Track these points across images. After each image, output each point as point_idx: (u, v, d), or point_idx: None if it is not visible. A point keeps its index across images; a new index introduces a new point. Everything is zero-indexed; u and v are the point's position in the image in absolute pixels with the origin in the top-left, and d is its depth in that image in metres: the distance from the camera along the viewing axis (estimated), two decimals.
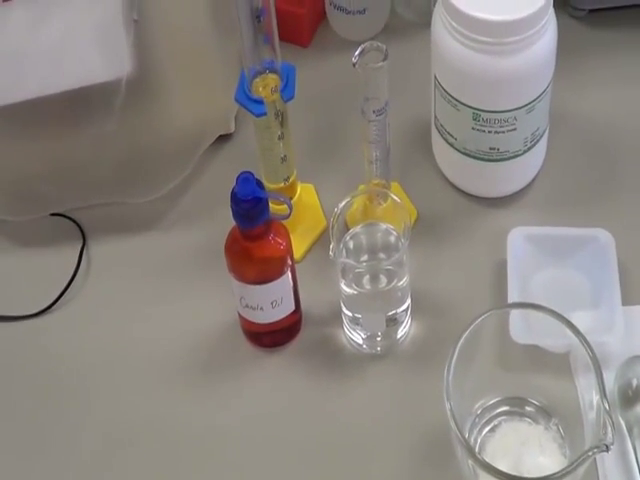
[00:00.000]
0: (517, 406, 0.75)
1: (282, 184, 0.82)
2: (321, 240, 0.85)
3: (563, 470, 0.64)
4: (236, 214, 0.70)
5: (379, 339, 0.80)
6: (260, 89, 0.77)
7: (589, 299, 0.81)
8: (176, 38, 0.84)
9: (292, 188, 0.84)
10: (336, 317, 0.81)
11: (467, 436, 0.72)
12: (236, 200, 0.69)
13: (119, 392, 0.80)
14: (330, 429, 0.77)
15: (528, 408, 0.75)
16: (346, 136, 0.91)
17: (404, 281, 0.77)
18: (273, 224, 0.73)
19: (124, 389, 0.80)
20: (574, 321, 0.71)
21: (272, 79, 0.77)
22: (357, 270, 0.77)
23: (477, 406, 0.75)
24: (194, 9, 0.85)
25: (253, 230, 0.71)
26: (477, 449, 0.73)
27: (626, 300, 0.80)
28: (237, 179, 0.70)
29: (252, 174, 0.70)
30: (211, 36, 0.86)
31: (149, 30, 0.83)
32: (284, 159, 0.81)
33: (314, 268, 0.83)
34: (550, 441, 0.72)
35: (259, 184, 0.70)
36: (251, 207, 0.69)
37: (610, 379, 0.76)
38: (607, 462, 0.73)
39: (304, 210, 0.85)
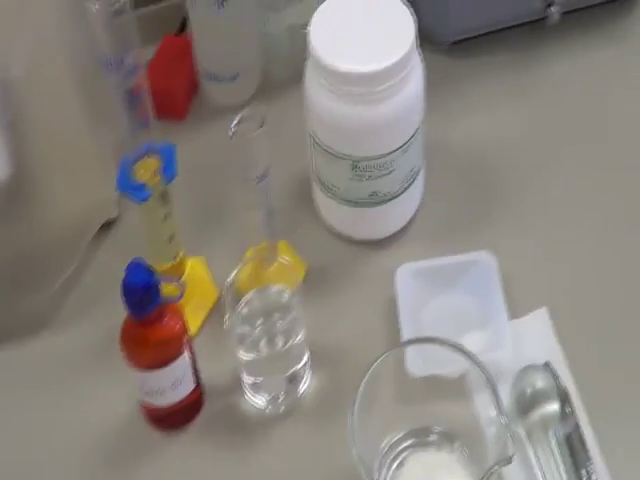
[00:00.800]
0: (421, 436, 0.82)
1: (171, 263, 0.88)
2: (214, 312, 0.90)
3: None
4: (128, 303, 0.76)
5: (281, 399, 0.86)
6: (142, 172, 0.81)
7: (478, 319, 0.89)
8: (51, 134, 0.87)
9: (181, 265, 0.89)
10: (236, 385, 0.87)
11: (377, 476, 0.79)
12: (127, 290, 0.75)
13: None
14: None
15: (432, 436, 0.82)
16: (230, 203, 0.96)
17: (300, 337, 0.84)
18: (166, 306, 0.78)
19: None
20: (466, 343, 0.79)
21: (152, 162, 0.82)
22: (253, 336, 0.83)
23: (383, 445, 0.82)
24: (68, 104, 0.88)
25: (147, 317, 0.77)
26: None
27: (514, 314, 0.88)
28: (127, 268, 0.75)
29: (141, 260, 0.75)
30: (86, 127, 0.90)
31: (23, 130, 0.85)
32: (171, 238, 0.86)
33: (210, 340, 0.89)
34: (455, 463, 0.80)
35: (149, 270, 0.75)
36: (143, 295, 0.75)
37: (506, 391, 0.83)
38: (511, 470, 0.80)
39: (195, 285, 0.90)
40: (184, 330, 0.80)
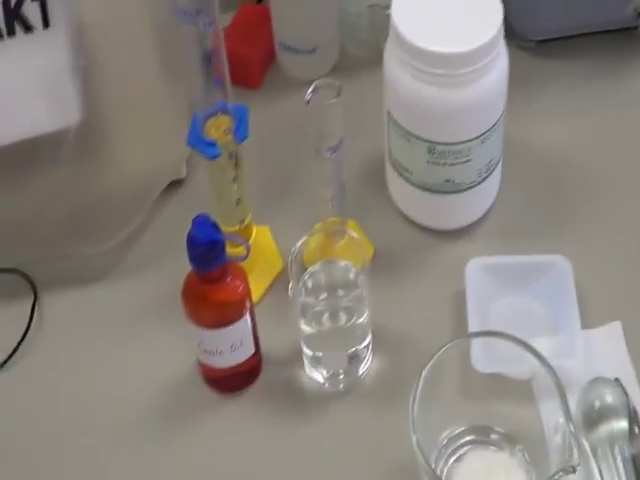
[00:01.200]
0: (482, 434, 0.78)
1: (237, 227, 0.85)
2: (278, 281, 0.88)
3: None
4: (192, 258, 0.73)
5: (341, 377, 0.83)
6: (212, 131, 0.79)
7: (549, 325, 0.85)
8: (125, 84, 0.86)
9: (248, 230, 0.87)
10: (296, 357, 0.84)
11: (434, 466, 0.75)
12: (192, 243, 0.72)
13: (77, 446, 0.83)
14: (296, 473, 0.80)
15: (493, 436, 0.78)
16: (300, 176, 0.94)
17: (364, 317, 0.80)
18: (230, 266, 0.76)
19: (82, 443, 0.83)
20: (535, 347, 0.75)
21: (224, 121, 0.79)
22: (316, 309, 0.80)
23: (442, 437, 0.78)
24: (143, 54, 0.86)
25: (210, 273, 0.74)
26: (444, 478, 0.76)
27: (585, 324, 0.84)
28: (193, 222, 0.73)
29: (208, 216, 0.73)
30: (160, 80, 0.88)
31: (97, 76, 0.84)
32: (239, 201, 0.84)
33: (272, 310, 0.86)
34: (516, 467, 0.76)
35: (215, 226, 0.73)
36: (208, 250, 0.72)
37: (572, 402, 0.79)
38: None
39: (260, 252, 0.88)
40: (247, 293, 0.77)
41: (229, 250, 0.75)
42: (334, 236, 0.83)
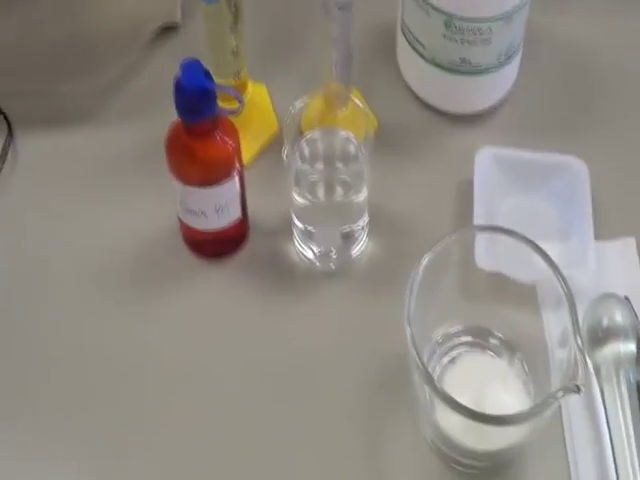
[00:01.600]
0: (480, 337, 0.71)
1: (232, 79, 0.77)
2: (271, 145, 0.81)
3: (530, 410, 0.60)
4: (179, 105, 0.65)
5: (333, 256, 0.75)
6: None
7: (558, 231, 0.78)
8: None
9: (242, 85, 0.79)
10: (286, 229, 0.76)
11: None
12: (180, 89, 0.63)
13: (45, 301, 0.75)
14: (277, 351, 0.73)
15: (492, 340, 0.71)
16: (304, 35, 0.86)
17: (362, 195, 0.72)
18: (221, 121, 0.67)
19: (50, 298, 0.75)
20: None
21: None
22: (311, 178, 0.71)
23: (437, 334, 0.70)
24: None
25: (198, 125, 0.66)
26: (436, 380, 0.69)
27: (598, 235, 0.76)
28: (182, 66, 0.64)
29: (199, 62, 0.64)
30: None
31: None
32: (235, 53, 0.76)
33: (263, 175, 0.78)
34: (513, 377, 0.68)
35: (206, 73, 0.64)
36: (197, 98, 0.64)
37: (579, 316, 0.72)
38: (571, 404, 0.70)
39: (255, 110, 0.80)
40: (237, 152, 0.68)
41: (220, 104, 0.66)
42: (336, 103, 0.74)
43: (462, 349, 0.71)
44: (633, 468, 0.68)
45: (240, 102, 0.66)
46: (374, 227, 0.77)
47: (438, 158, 0.82)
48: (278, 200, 0.76)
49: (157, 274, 0.76)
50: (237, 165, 0.69)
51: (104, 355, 0.72)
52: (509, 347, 0.71)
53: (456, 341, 0.71)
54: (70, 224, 0.78)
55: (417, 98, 0.84)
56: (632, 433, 0.69)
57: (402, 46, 0.83)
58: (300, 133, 0.72)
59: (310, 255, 0.76)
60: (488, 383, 0.68)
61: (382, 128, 0.82)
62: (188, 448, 0.69)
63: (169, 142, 0.68)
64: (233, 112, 0.67)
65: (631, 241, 0.78)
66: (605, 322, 0.73)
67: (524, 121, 0.85)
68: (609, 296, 0.74)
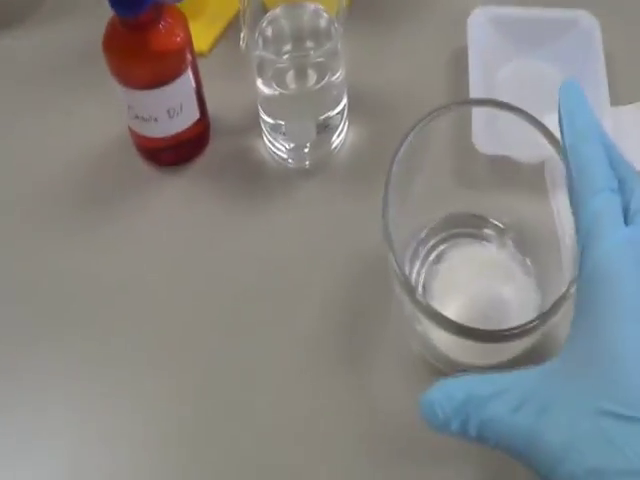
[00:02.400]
0: (473, 227, 0.63)
1: None
2: (232, 28, 0.72)
3: (541, 316, 0.52)
4: None
5: (307, 150, 0.67)
6: None
7: None
8: None
9: None
10: (254, 125, 0.69)
11: (409, 267, 0.61)
12: None
13: None
14: (250, 260, 0.65)
15: (487, 230, 0.63)
16: None
17: (338, 76, 0.64)
18: (165, 9, 0.59)
19: None
20: (550, 125, 0.59)
21: None
22: (278, 65, 0.63)
23: (423, 228, 0.63)
24: None
25: (138, 17, 0.58)
26: (422, 283, 0.61)
27: (612, 100, 0.68)
28: None
29: None
30: None
31: None
32: None
33: (224, 64, 0.71)
34: (516, 269, 0.61)
35: None
36: None
37: None
38: None
39: None
40: (186, 43, 0.60)
41: None
42: None
43: (450, 243, 0.63)
44: None
45: None
46: (354, 114, 0.69)
47: (424, 24, 0.75)
48: (243, 92, 0.68)
49: (110, 188, 0.69)
50: (189, 58, 0.62)
51: (58, 273, 0.65)
52: (509, 236, 0.63)
53: (443, 233, 0.63)
54: (10, 137, 0.71)
55: None
56: None
57: None
58: (262, 12, 0.64)
59: (282, 152, 0.68)
60: (485, 279, 0.61)
61: None
62: (157, 364, 0.62)
63: (107, 41, 0.60)
64: None
65: None
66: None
67: None
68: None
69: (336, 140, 0.68)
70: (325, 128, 0.66)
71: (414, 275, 0.61)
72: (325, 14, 0.64)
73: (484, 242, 0.63)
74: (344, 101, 0.66)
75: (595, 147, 0.49)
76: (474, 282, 0.61)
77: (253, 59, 0.62)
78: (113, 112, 0.67)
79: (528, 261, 0.62)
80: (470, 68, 0.69)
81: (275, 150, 0.68)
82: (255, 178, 0.68)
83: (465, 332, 0.51)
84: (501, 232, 0.63)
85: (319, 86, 0.63)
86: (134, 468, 0.58)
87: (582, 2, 0.72)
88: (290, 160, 0.68)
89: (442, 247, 0.63)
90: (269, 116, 0.66)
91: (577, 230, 0.48)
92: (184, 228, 0.66)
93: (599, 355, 0.44)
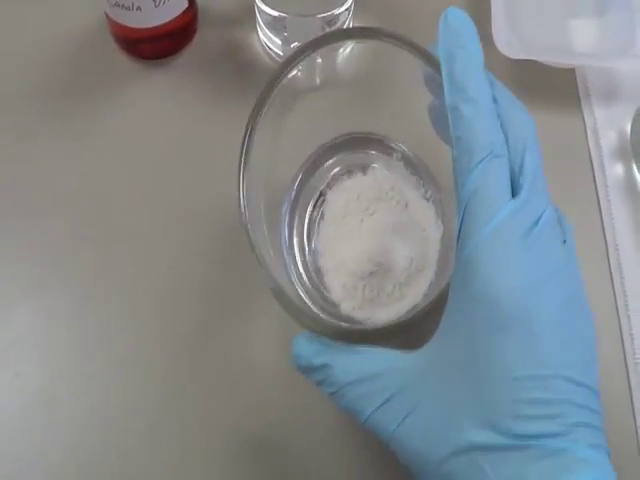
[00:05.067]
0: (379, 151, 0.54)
1: None
2: None
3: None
4: None
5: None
6: None
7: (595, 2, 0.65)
8: None
9: None
10: (247, 15, 0.61)
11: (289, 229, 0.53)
12: None
13: None
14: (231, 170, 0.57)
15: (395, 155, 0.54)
16: None
17: None
18: None
19: None
20: (579, 30, 0.60)
21: None
22: None
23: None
24: None
25: None
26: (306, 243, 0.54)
27: None
28: None
29: None
30: None
31: None
32: None
33: None
34: (408, 189, 0.53)
35: None
36: None
37: (626, 116, 0.59)
38: (619, 234, 0.58)
39: None
40: None
41: None
42: None
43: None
44: None
45: None
46: (361, 13, 0.61)
47: None
48: None
49: (86, 83, 0.62)
50: None
51: (36, 179, 0.59)
52: (398, 156, 0.54)
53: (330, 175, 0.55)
54: None
55: None
56: None
57: None
58: None
59: (280, 51, 0.61)
60: (376, 216, 0.52)
61: None
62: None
63: None
64: None
65: None
66: None
67: None
68: None
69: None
70: (330, 26, 0.59)
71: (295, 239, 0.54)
72: None
73: (372, 167, 0.54)
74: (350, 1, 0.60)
75: (478, 105, 0.41)
76: (364, 225, 0.52)
77: None
78: None
79: (422, 183, 0.54)
80: None
81: (272, 46, 0.61)
82: (247, 77, 0.61)
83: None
84: (390, 152, 0.54)
85: None
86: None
87: None
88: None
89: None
90: (269, 6, 0.59)
91: (457, 211, 0.41)
92: (166, 127, 0.60)
93: (470, 363, 0.40)
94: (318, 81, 0.51)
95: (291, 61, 0.48)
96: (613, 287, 0.57)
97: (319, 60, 0.49)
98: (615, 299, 0.57)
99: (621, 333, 0.56)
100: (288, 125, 0.50)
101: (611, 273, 0.57)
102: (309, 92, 0.51)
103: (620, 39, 0.62)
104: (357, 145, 0.55)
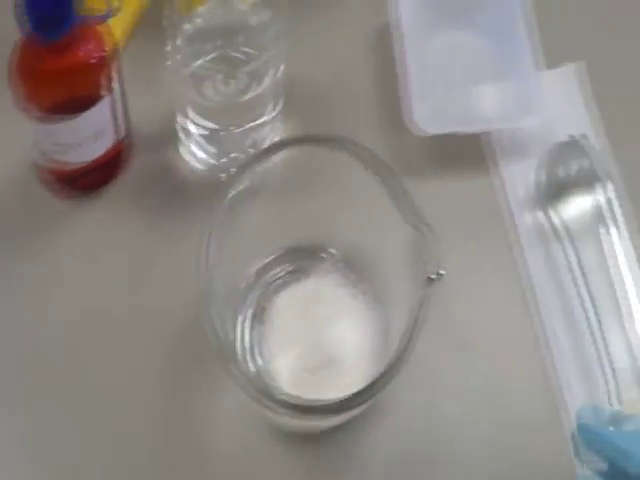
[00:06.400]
0: (309, 259, 0.61)
1: None
2: (145, 21, 0.69)
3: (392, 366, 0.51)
4: (32, 17, 0.52)
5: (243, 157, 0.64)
6: None
7: (498, 67, 0.71)
8: None
9: None
10: (175, 135, 0.65)
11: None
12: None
13: None
14: (181, 289, 0.61)
15: (308, 262, 0.61)
16: None
17: (273, 79, 0.60)
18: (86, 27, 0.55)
19: None
20: (482, 97, 0.68)
21: None
22: (205, 72, 0.59)
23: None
24: None
25: (55, 42, 0.53)
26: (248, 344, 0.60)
27: (546, 61, 0.70)
28: None
29: None
30: None
31: None
32: None
33: (140, 62, 0.65)
34: (353, 303, 0.60)
35: None
36: (52, 7, 0.51)
37: (529, 169, 0.68)
38: (533, 274, 0.66)
39: None
40: (111, 60, 0.57)
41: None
42: None
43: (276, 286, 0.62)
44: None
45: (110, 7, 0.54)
46: (288, 107, 0.65)
47: (348, 4, 0.72)
48: (161, 92, 0.64)
49: (19, 225, 0.64)
50: (114, 76, 0.58)
51: None
52: (336, 261, 0.62)
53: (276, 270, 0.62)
54: None
55: None
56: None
57: None
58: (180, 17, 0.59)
59: (209, 160, 0.65)
60: (315, 318, 0.60)
61: None
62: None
63: (19, 68, 0.56)
64: (103, 17, 0.54)
65: (580, 65, 0.73)
66: (561, 173, 0.68)
67: None
68: (566, 145, 0.68)
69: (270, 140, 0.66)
70: (262, 134, 0.63)
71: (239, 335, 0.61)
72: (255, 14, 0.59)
73: (311, 274, 0.62)
74: (280, 103, 0.64)
75: None
76: (305, 326, 0.60)
77: (179, 76, 0.59)
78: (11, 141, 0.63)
79: (358, 283, 0.61)
80: (399, 43, 0.68)
81: (205, 160, 0.65)
82: (177, 193, 0.65)
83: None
84: (326, 259, 0.62)
85: (257, 92, 0.60)
86: None
87: None
88: (219, 172, 0.65)
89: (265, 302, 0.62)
90: (201, 123, 0.62)
91: None
92: (105, 261, 0.63)
93: None
94: (260, 191, 0.56)
95: (239, 174, 0.53)
96: (533, 327, 0.64)
97: (260, 170, 0.55)
98: (533, 330, 0.64)
99: (546, 373, 0.63)
100: (234, 236, 0.54)
101: (531, 314, 0.64)
102: (252, 202, 0.55)
103: (518, 101, 0.69)
104: (299, 252, 0.61)
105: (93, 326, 0.62)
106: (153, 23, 0.60)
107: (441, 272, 0.52)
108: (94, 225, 0.64)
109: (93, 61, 0.56)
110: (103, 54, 0.57)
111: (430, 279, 0.52)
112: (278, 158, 0.55)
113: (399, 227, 0.53)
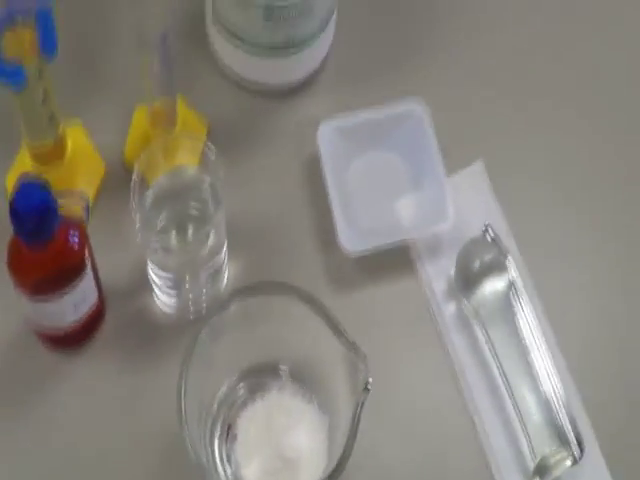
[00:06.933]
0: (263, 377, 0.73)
1: (51, 143, 0.75)
2: (106, 186, 0.78)
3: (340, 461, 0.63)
4: (20, 231, 0.62)
5: (203, 297, 0.75)
6: (12, 47, 0.65)
7: (411, 179, 0.81)
8: None
9: (62, 142, 0.76)
10: (145, 282, 0.75)
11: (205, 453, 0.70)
12: (18, 217, 0.61)
13: None
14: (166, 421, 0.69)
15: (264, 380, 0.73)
16: (112, 65, 0.82)
17: (218, 228, 0.70)
18: (65, 223, 0.65)
19: None
20: (401, 209, 0.77)
21: (24, 34, 0.66)
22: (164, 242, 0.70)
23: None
24: None
25: (42, 244, 0.64)
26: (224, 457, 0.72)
27: (450, 167, 0.79)
28: (17, 189, 0.61)
29: (33, 179, 0.62)
30: None
31: None
32: (51, 117, 0.72)
33: (106, 223, 0.76)
34: (306, 413, 0.71)
35: (45, 188, 0.61)
36: (38, 222, 0.61)
37: (448, 266, 0.78)
38: (459, 353, 0.76)
39: (79, 160, 0.78)
40: (85, 246, 0.67)
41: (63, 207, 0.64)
42: (164, 122, 0.74)
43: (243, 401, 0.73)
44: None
45: (85, 207, 0.68)
46: (232, 244, 0.75)
47: (276, 140, 0.81)
48: (128, 249, 0.75)
49: (17, 380, 0.74)
50: (87, 255, 0.68)
51: None
52: (287, 376, 0.73)
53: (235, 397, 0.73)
54: None
55: (241, 86, 0.83)
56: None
57: (218, 39, 0.81)
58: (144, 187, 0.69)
59: (177, 304, 0.75)
60: (274, 429, 0.71)
61: (213, 127, 0.81)
62: None
63: (12, 261, 0.66)
64: (80, 220, 0.67)
65: (480, 164, 0.82)
66: (476, 265, 0.78)
67: (352, 75, 0.85)
68: (475, 241, 0.79)
69: (225, 279, 0.76)
70: (217, 272, 0.74)
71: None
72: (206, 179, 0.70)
73: (271, 389, 0.72)
74: (225, 242, 0.73)
75: None
76: (266, 437, 0.71)
77: (147, 246, 0.69)
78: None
79: (308, 394, 0.72)
80: (325, 174, 0.77)
81: (169, 304, 0.75)
82: (155, 335, 0.75)
83: None
84: (281, 375, 0.73)
85: (210, 245, 0.70)
86: None
87: (407, 87, 0.81)
88: (191, 310, 0.75)
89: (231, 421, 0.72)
90: (157, 274, 0.72)
91: None
92: (92, 408, 0.73)
93: None
94: (222, 330, 0.66)
95: (205, 320, 0.65)
96: (464, 403, 0.75)
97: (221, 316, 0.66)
98: (465, 407, 0.75)
99: (477, 435, 0.74)
100: (203, 368, 0.65)
101: (460, 388, 0.75)
102: (216, 339, 0.66)
103: (435, 208, 0.78)
104: (257, 371, 0.72)
105: (84, 454, 0.72)
106: (119, 180, 0.71)
107: (369, 381, 0.63)
108: (77, 376, 0.73)
109: (73, 249, 0.65)
110: (79, 244, 0.65)
111: (366, 389, 0.63)
112: (235, 306, 0.66)
113: (335, 348, 0.65)
